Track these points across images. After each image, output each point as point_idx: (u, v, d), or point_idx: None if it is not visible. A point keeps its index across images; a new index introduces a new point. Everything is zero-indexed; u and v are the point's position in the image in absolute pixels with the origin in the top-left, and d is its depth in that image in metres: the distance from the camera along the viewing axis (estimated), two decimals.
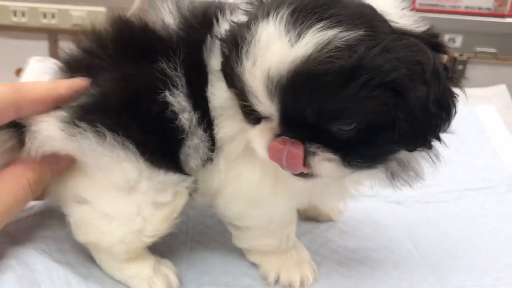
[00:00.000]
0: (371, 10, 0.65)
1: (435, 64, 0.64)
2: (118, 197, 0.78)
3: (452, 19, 2.36)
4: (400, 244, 1.02)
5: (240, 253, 0.95)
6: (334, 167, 0.68)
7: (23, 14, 2.07)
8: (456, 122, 1.30)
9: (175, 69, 0.75)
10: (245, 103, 0.69)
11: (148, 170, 0.77)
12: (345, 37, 0.60)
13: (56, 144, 0.75)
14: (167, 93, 0.74)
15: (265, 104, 0.65)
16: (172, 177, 0.79)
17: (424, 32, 0.68)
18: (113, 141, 0.74)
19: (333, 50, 0.59)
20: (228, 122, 0.77)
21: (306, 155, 0.67)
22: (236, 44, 0.66)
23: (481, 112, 1.35)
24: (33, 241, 0.81)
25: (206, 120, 0.77)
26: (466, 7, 2.36)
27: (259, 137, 0.70)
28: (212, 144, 0.79)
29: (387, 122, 0.64)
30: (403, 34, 0.64)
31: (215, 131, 0.78)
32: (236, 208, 0.84)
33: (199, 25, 0.79)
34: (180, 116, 0.75)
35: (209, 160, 0.80)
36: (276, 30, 0.62)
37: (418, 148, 0.72)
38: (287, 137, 0.67)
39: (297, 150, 0.67)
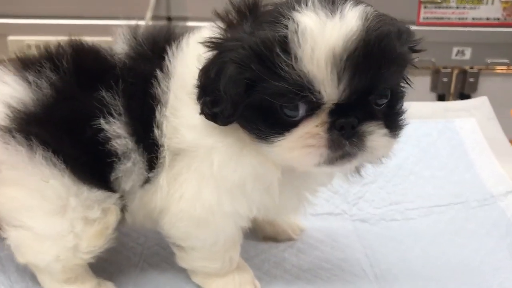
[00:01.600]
0: None
1: None
2: (49, 216, 0.80)
3: (460, 31, 2.31)
4: (356, 263, 1.00)
5: (188, 274, 0.95)
6: (387, 141, 0.72)
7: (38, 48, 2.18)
8: (430, 136, 1.29)
9: (114, 98, 0.78)
10: (268, 116, 0.70)
11: (74, 186, 0.79)
12: (371, 10, 0.69)
13: None
14: (102, 120, 0.78)
15: (332, 86, 0.66)
16: (96, 194, 0.81)
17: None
18: (41, 158, 0.76)
19: (376, 19, 0.67)
20: (200, 138, 0.78)
21: (362, 135, 0.70)
22: (274, 45, 0.66)
23: (460, 125, 1.31)
24: None
25: (143, 145, 0.79)
26: (474, 19, 2.31)
27: (307, 140, 0.70)
28: (150, 166, 0.81)
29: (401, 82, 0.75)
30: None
31: (162, 150, 0.80)
32: (182, 227, 0.84)
33: (148, 54, 0.81)
34: (113, 141, 0.78)
35: (147, 182, 0.82)
36: (318, 14, 0.66)
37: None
38: (345, 122, 0.68)
39: (362, 130, 0.69)
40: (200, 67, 0.74)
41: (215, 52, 0.73)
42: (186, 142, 0.78)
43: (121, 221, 0.88)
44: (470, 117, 1.33)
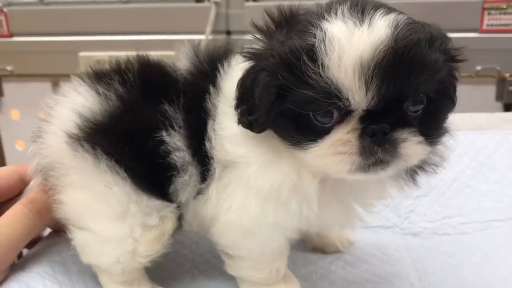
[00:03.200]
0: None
1: None
2: (111, 220, 0.86)
3: None
4: (405, 277, 0.99)
5: (236, 282, 0.98)
6: (422, 149, 0.72)
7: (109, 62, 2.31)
8: (487, 148, 1.25)
9: (176, 112, 0.84)
10: (301, 122, 0.72)
11: (135, 194, 0.84)
12: (403, 18, 0.69)
13: (58, 155, 0.86)
14: (164, 132, 0.82)
15: (360, 93, 0.67)
16: (155, 203, 0.86)
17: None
18: (106, 167, 0.82)
19: (406, 27, 0.67)
20: (236, 149, 0.81)
21: (395, 142, 0.70)
22: (302, 53, 0.68)
23: None
24: (39, 266, 0.91)
25: (198, 158, 0.84)
26: None
27: (338, 147, 0.71)
28: (203, 179, 0.85)
29: (442, 90, 0.73)
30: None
31: (213, 162, 0.83)
32: (230, 237, 0.87)
33: (207, 70, 0.86)
34: (173, 154, 0.83)
35: (199, 193, 0.86)
36: (346, 23, 0.67)
37: (453, 108, 0.77)
38: (376, 129, 0.69)
39: (394, 137, 0.70)
40: (239, 78, 0.77)
41: (251, 62, 0.76)
42: (228, 153, 0.81)
43: (178, 228, 0.93)
44: None
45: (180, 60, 0.89)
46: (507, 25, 2.23)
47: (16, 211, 0.89)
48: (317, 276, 1.01)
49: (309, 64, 0.67)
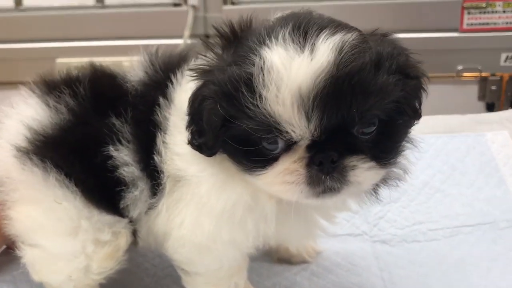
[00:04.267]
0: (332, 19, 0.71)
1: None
2: (62, 237, 0.83)
3: (508, 36, 2.20)
4: (370, 287, 0.96)
5: None
6: (374, 174, 0.69)
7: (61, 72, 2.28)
8: (459, 151, 1.22)
9: (123, 125, 0.80)
10: (249, 148, 0.68)
11: (85, 209, 0.81)
12: (350, 38, 0.65)
13: (6, 169, 0.82)
14: (111, 147, 0.79)
15: (300, 125, 0.64)
16: (106, 218, 0.82)
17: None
18: (55, 180, 0.79)
19: (351, 50, 0.63)
20: (187, 167, 0.78)
21: (344, 170, 0.67)
22: (240, 84, 0.65)
23: (492, 138, 1.24)
24: None
25: (147, 172, 0.80)
26: None
27: (285, 176, 0.69)
28: (154, 193, 0.81)
29: (398, 109, 0.68)
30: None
31: (163, 176, 0.80)
32: (184, 253, 0.84)
33: (160, 80, 0.83)
34: (121, 169, 0.80)
35: (150, 208, 0.83)
36: (287, 49, 0.63)
37: (415, 122, 0.74)
38: (323, 157, 0.66)
39: (343, 165, 0.66)
40: (189, 96, 0.74)
41: (199, 80, 0.72)
42: (180, 170, 0.78)
43: (133, 244, 0.89)
44: (503, 130, 1.25)
45: (133, 69, 0.86)
46: (487, 24, 2.21)
47: None
48: None
49: (247, 95, 0.64)
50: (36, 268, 0.87)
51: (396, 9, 2.22)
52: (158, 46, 0.88)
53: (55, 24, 2.43)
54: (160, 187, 0.81)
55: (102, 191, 0.81)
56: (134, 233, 0.87)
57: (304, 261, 1.04)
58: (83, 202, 0.81)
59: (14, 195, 0.84)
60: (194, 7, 2.33)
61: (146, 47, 0.88)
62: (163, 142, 0.79)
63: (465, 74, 2.27)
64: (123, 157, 0.80)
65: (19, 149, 0.81)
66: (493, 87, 2.30)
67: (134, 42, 2.32)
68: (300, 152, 0.67)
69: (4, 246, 0.99)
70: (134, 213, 0.83)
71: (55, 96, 0.83)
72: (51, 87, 0.85)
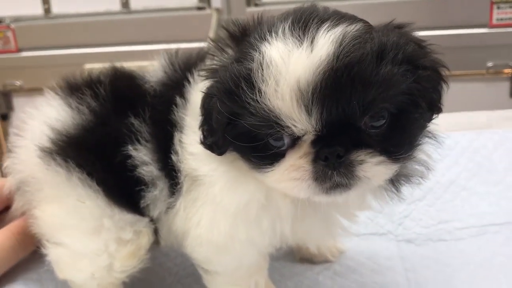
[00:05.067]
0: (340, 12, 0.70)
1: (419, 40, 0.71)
2: (86, 235, 0.84)
3: None
4: (395, 287, 0.94)
5: None
6: (384, 169, 0.67)
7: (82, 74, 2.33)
8: (486, 148, 1.19)
9: (142, 125, 0.81)
10: (256, 144, 0.68)
11: (107, 208, 0.82)
12: (353, 29, 0.64)
13: (31, 169, 0.84)
14: (130, 146, 0.81)
15: (301, 120, 0.63)
16: (127, 217, 0.84)
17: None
18: (78, 180, 0.81)
19: (352, 41, 0.62)
20: (199, 166, 0.78)
21: (351, 165, 0.65)
22: (240, 80, 0.65)
23: None
24: (15, 283, 0.90)
25: (166, 172, 0.81)
26: None
27: (291, 173, 0.68)
28: (172, 193, 0.82)
29: (411, 101, 0.66)
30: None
31: (180, 176, 0.80)
32: (202, 252, 0.84)
33: (179, 80, 0.83)
34: (140, 168, 0.81)
35: (169, 207, 0.84)
36: (286, 43, 0.63)
37: (434, 116, 0.72)
38: (329, 152, 0.65)
39: (350, 160, 0.65)
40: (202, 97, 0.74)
41: (209, 81, 0.73)
42: (193, 169, 0.78)
43: (156, 243, 0.90)
44: None
45: (154, 70, 0.87)
46: None
47: (4, 240, 0.89)
48: None
49: (247, 91, 0.64)
50: (60, 266, 0.88)
51: (423, 6, 2.19)
52: (181, 49, 0.89)
53: (83, 31, 2.49)
54: (178, 186, 0.81)
55: (123, 190, 0.82)
56: (156, 232, 0.88)
57: (326, 261, 1.03)
58: (105, 201, 0.82)
59: (39, 195, 0.86)
60: (217, 10, 2.35)
61: (170, 51, 0.89)
62: (180, 141, 0.80)
63: (496, 70, 2.22)
64: (142, 156, 0.81)
65: (43, 150, 0.83)
66: None
67: (160, 46, 2.35)
68: (305, 147, 0.66)
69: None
70: (154, 212, 0.84)
71: (77, 97, 0.85)
72: (74, 89, 0.87)
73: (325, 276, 0.99)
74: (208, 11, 2.36)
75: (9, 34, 2.57)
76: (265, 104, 0.63)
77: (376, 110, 0.64)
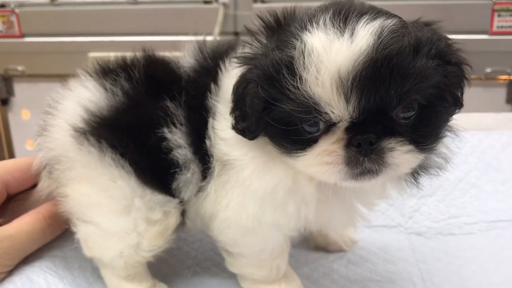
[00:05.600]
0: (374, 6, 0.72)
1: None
2: (116, 214, 0.86)
3: None
4: (407, 277, 0.98)
5: (237, 280, 0.98)
6: (412, 158, 0.71)
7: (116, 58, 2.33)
8: (494, 149, 1.24)
9: (177, 109, 0.84)
10: (290, 129, 0.70)
11: (139, 188, 0.84)
12: (390, 23, 0.67)
13: (64, 148, 0.86)
14: (165, 129, 0.83)
15: (340, 107, 0.66)
16: (158, 197, 0.86)
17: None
18: (111, 160, 0.83)
19: (390, 35, 0.65)
20: (230, 151, 0.81)
21: (382, 152, 0.69)
22: (282, 67, 0.67)
23: None
24: (40, 260, 0.92)
25: (199, 156, 0.84)
26: None
27: (324, 157, 0.71)
28: (204, 176, 0.85)
29: (439, 95, 0.70)
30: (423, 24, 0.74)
31: (212, 160, 0.83)
32: (229, 234, 0.87)
33: (210, 67, 0.86)
34: (175, 151, 0.83)
35: (199, 190, 0.86)
36: (327, 34, 0.66)
37: (457, 110, 0.75)
38: (362, 139, 0.68)
39: (381, 147, 0.68)
40: (234, 83, 0.77)
41: (244, 67, 0.75)
42: (224, 154, 0.81)
43: (181, 224, 0.93)
44: None
45: (185, 57, 0.89)
46: None
47: (36, 222, 0.91)
48: (318, 274, 1.00)
49: (288, 77, 0.66)
50: (89, 244, 0.90)
51: (426, 11, 2.23)
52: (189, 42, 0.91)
53: (88, 19, 2.48)
54: (210, 171, 0.84)
55: (155, 171, 0.84)
56: (183, 213, 0.91)
57: (340, 250, 1.07)
58: (137, 181, 0.84)
59: (70, 173, 0.87)
60: (224, 4, 2.36)
61: (176, 43, 0.91)
62: (212, 127, 0.82)
63: (494, 76, 2.27)
64: (177, 139, 0.83)
65: (76, 130, 0.85)
66: None
67: (165, 38, 2.37)
68: (339, 133, 0.69)
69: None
70: (185, 194, 0.86)
71: (111, 79, 0.86)
72: (108, 71, 0.88)
73: (339, 264, 1.03)
74: (215, 5, 2.37)
75: (13, 18, 2.55)
76: (305, 91, 0.66)
77: (409, 100, 0.68)
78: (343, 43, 0.65)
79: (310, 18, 0.70)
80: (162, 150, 0.83)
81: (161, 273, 1.00)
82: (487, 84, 2.31)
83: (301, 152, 0.72)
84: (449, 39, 0.75)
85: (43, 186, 0.94)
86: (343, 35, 0.65)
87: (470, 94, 0.77)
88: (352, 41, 0.65)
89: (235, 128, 0.77)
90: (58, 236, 0.96)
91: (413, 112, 0.69)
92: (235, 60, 0.78)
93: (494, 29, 2.23)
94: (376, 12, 0.69)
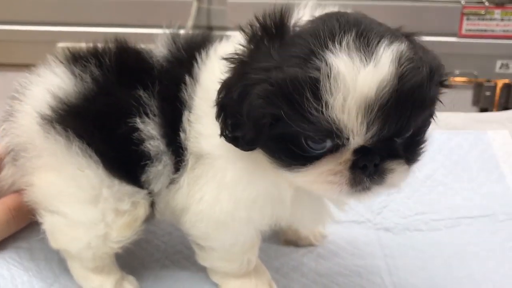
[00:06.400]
0: (377, 21, 0.72)
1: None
2: (83, 204, 0.84)
3: (504, 44, 2.26)
4: (375, 270, 1.00)
5: (207, 273, 0.97)
6: (406, 175, 0.74)
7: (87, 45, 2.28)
8: (461, 148, 1.26)
9: (150, 99, 0.82)
10: (293, 145, 0.69)
11: (107, 179, 0.83)
12: (405, 48, 0.66)
13: (30, 136, 0.83)
14: (137, 119, 0.81)
15: (361, 134, 0.66)
16: (126, 188, 0.84)
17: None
18: (78, 149, 0.81)
19: (409, 63, 0.65)
20: (213, 150, 0.79)
21: (383, 173, 0.70)
22: (304, 89, 0.64)
23: (492, 136, 1.28)
24: (5, 251, 0.90)
25: (172, 148, 0.82)
26: None
27: (329, 177, 0.70)
28: (176, 169, 0.83)
29: (432, 113, 0.74)
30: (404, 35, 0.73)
31: (186, 153, 0.82)
32: (202, 228, 0.86)
33: (184, 58, 0.84)
34: (147, 142, 0.81)
35: (171, 183, 0.85)
36: (352, 58, 0.63)
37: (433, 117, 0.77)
38: (368, 161, 0.69)
39: (384, 168, 0.70)
40: (222, 82, 0.73)
41: (238, 71, 0.72)
42: (204, 150, 0.80)
43: (151, 216, 0.91)
44: (503, 129, 1.30)
45: (158, 47, 0.87)
46: (485, 30, 2.27)
47: (0, 214, 0.88)
48: (288, 268, 1.01)
49: (312, 100, 0.64)
50: (55, 235, 0.88)
51: (398, 12, 2.27)
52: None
53: (58, 8, 2.42)
54: (183, 163, 0.83)
55: (123, 162, 0.83)
56: (152, 205, 0.89)
57: (310, 244, 1.07)
58: (105, 171, 0.82)
59: (36, 162, 0.85)
60: None
61: (148, 36, 0.88)
62: (188, 120, 0.81)
63: (461, 78, 2.33)
64: (150, 130, 0.81)
65: (43, 117, 0.82)
66: (487, 93, 2.36)
67: (136, 30, 2.33)
68: (347, 154, 0.69)
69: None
70: (156, 186, 0.85)
71: (81, 65, 0.84)
72: (78, 58, 0.86)
73: (309, 258, 1.04)
74: None
75: None
76: (329, 116, 0.64)
77: (418, 127, 0.71)
78: (369, 71, 0.63)
79: (330, 36, 0.66)
80: (132, 141, 0.81)
81: (130, 266, 0.98)
82: (454, 86, 2.37)
83: (302, 168, 0.71)
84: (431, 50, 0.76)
85: (7, 174, 0.91)
86: (368, 62, 0.64)
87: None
88: (377, 69, 0.63)
89: (224, 135, 0.74)
90: (24, 227, 0.94)
91: (410, 133, 0.71)
92: (222, 60, 0.74)
93: (463, 32, 2.28)
94: (391, 35, 0.67)
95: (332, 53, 0.64)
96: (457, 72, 2.31)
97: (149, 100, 0.81)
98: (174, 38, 0.87)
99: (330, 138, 0.67)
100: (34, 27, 2.44)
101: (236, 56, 0.73)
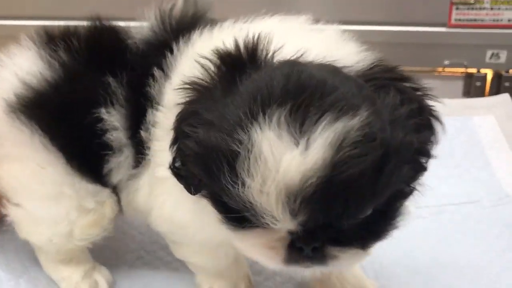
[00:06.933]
0: (343, 76, 0.60)
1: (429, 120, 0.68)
2: (45, 201, 0.80)
3: (494, 33, 2.23)
4: None
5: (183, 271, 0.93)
6: (357, 259, 0.64)
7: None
8: (447, 134, 1.23)
9: (119, 87, 0.75)
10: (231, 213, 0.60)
11: (68, 176, 0.78)
12: (355, 125, 0.53)
13: None
14: (103, 109, 0.74)
15: (284, 220, 0.56)
16: (88, 186, 0.80)
17: (380, 68, 0.64)
18: (40, 143, 0.76)
19: (352, 146, 0.52)
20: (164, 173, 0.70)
21: (324, 257, 0.61)
22: (222, 160, 0.55)
23: (479, 122, 1.26)
24: None
25: (133, 142, 0.76)
26: (509, 20, 2.24)
27: (263, 249, 0.62)
28: (137, 164, 0.78)
29: (401, 190, 0.62)
30: (380, 87, 0.60)
31: (148, 153, 0.75)
32: (165, 228, 0.81)
33: (166, 43, 0.75)
34: (109, 134, 0.75)
35: (130, 179, 0.80)
36: (280, 137, 0.53)
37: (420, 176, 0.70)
38: (304, 245, 0.59)
39: (324, 253, 0.60)
40: (178, 111, 0.64)
41: (190, 107, 0.62)
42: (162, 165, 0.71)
43: (120, 213, 0.87)
44: (489, 115, 1.27)
45: (141, 26, 0.79)
46: (474, 20, 2.24)
47: None
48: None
49: (228, 176, 0.55)
50: (20, 227, 0.85)
51: (387, 2, 2.24)
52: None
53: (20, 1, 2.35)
54: (144, 161, 0.76)
55: (85, 157, 0.78)
56: (120, 202, 0.84)
57: None
58: (65, 168, 0.78)
59: (0, 151, 0.80)
60: None
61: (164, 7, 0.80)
62: (152, 121, 0.73)
63: (451, 69, 2.31)
64: (113, 122, 0.75)
65: (9, 105, 0.77)
66: (478, 83, 2.34)
67: (122, 24, 2.29)
68: (281, 233, 0.60)
69: None
70: (115, 178, 0.79)
71: (50, 49, 0.77)
72: (49, 40, 0.79)
73: None
74: None
75: None
76: (247, 197, 0.55)
77: (365, 215, 0.59)
78: (296, 155, 0.52)
79: (265, 102, 0.55)
80: (96, 133, 0.75)
81: (103, 256, 0.95)
82: (445, 77, 2.35)
83: (238, 230, 0.62)
84: (416, 84, 0.66)
85: None
86: (297, 144, 0.52)
87: (428, 86, 0.71)
88: (307, 154, 0.52)
89: (172, 167, 0.65)
90: None
91: (365, 216, 0.59)
92: (185, 86, 0.64)
93: (452, 22, 2.25)
94: (340, 106, 0.54)
95: (259, 127, 0.54)
96: (446, 62, 2.29)
97: (116, 89, 0.75)
98: (163, 16, 0.78)
99: (252, 218, 0.58)
100: (33, 22, 2.39)
101: (196, 86, 0.64)
